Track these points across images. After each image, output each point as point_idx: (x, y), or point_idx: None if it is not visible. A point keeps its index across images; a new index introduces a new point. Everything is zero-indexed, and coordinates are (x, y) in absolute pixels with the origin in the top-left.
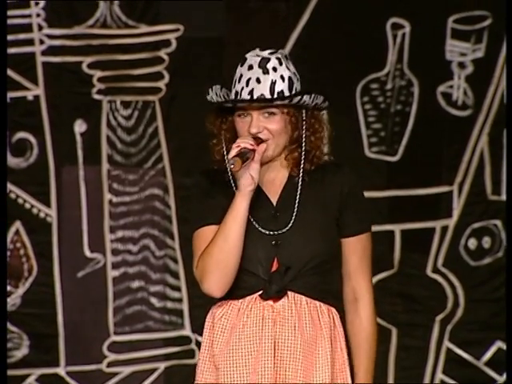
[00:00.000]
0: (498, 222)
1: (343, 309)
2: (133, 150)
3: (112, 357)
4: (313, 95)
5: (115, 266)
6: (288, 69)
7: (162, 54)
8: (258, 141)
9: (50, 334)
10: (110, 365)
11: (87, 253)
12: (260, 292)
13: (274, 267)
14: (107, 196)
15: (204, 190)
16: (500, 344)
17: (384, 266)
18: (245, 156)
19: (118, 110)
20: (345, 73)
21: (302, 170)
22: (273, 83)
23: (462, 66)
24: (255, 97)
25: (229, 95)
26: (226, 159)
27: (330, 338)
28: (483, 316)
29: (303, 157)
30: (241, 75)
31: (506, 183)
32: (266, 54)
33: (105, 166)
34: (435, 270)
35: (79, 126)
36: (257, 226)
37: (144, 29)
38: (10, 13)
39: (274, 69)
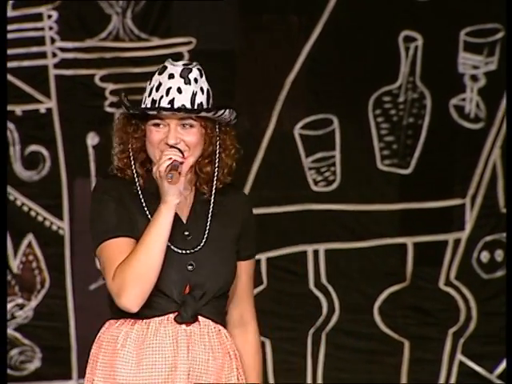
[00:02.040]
0: None
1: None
2: None
3: None
4: (232, 110)
5: None
6: (207, 81)
7: None
8: (181, 153)
9: (63, 346)
10: None
11: (99, 265)
12: (172, 315)
13: (187, 290)
14: None
15: (108, 198)
16: None
17: (396, 279)
18: (177, 169)
19: None
20: (357, 86)
21: (214, 188)
22: (194, 94)
23: (474, 78)
24: (176, 107)
25: (140, 103)
26: (156, 173)
27: (236, 360)
28: (496, 329)
29: (216, 173)
30: (159, 83)
31: (506, 197)
32: (186, 63)
33: None
34: (448, 283)
35: (92, 139)
36: (169, 244)
37: (156, 42)
38: (22, 26)
39: (196, 80)
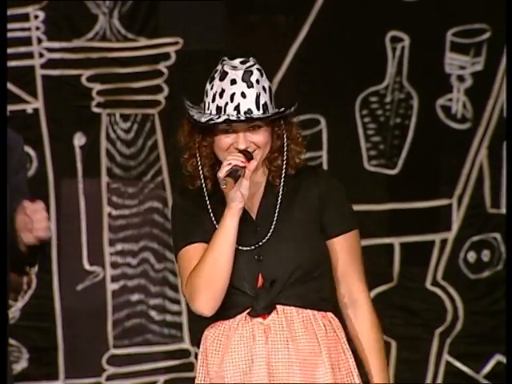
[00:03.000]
0: (498, 235)
1: (340, 313)
2: (132, 163)
3: (111, 370)
4: (295, 105)
5: (114, 279)
6: (267, 79)
7: (162, 67)
8: (248, 156)
9: (50, 347)
10: (109, 378)
11: (86, 266)
12: (248, 310)
13: (260, 282)
14: (106, 209)
15: (182, 208)
16: (499, 357)
17: (383, 279)
18: (236, 174)
19: (117, 123)
20: (344, 86)
21: (283, 180)
22: (257, 96)
23: (461, 79)
24: (242, 111)
25: (205, 109)
26: (218, 178)
27: (329, 344)
28: (482, 329)
29: (284, 166)
30: (222, 90)
31: (505, 196)
32: (245, 66)
33: (104, 179)
34: (434, 283)
35: (78, 139)
36: (237, 245)
37: (143, 42)
38: (9, 26)
39: (257, 81)
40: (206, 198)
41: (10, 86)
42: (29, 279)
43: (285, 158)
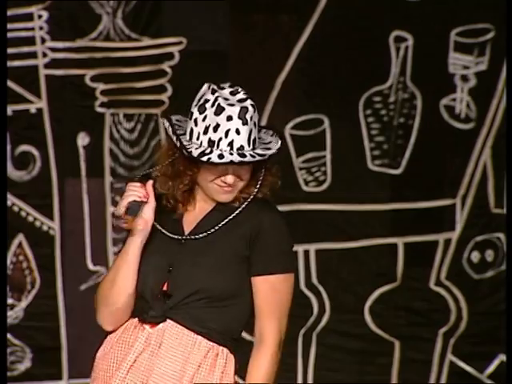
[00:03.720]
0: (501, 235)
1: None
2: (136, 163)
3: None
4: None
5: None
6: (258, 113)
7: (165, 66)
8: (144, 180)
9: (53, 347)
10: None
11: (90, 266)
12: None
13: (161, 292)
14: (110, 209)
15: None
16: (503, 357)
17: (387, 280)
18: (135, 210)
19: (120, 123)
20: (347, 86)
21: (244, 205)
22: (250, 132)
23: (464, 78)
24: (235, 148)
25: (193, 137)
26: (115, 217)
27: (199, 375)
28: (486, 329)
29: (254, 194)
30: (217, 124)
31: (506, 196)
32: (237, 98)
33: (108, 178)
34: (438, 283)
35: (82, 139)
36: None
37: (147, 42)
38: (12, 26)
39: (251, 118)
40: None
41: (13, 85)
42: (32, 279)
43: (257, 189)
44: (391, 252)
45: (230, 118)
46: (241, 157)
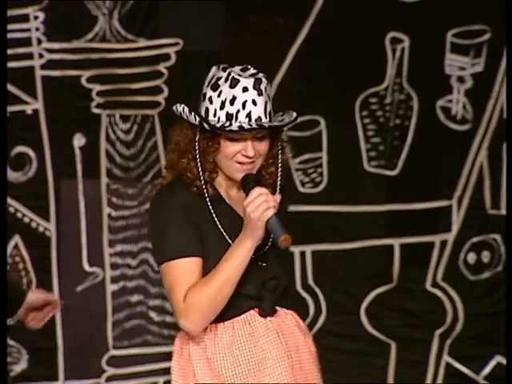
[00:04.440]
0: (498, 236)
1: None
2: (132, 164)
3: (111, 371)
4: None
5: (114, 280)
6: (271, 87)
7: (161, 68)
8: (259, 182)
9: (49, 348)
10: (108, 379)
11: (86, 267)
12: (253, 311)
13: (264, 285)
14: (106, 210)
15: (178, 210)
16: (499, 358)
17: (383, 281)
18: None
19: (117, 124)
20: (344, 87)
21: (279, 187)
22: (265, 104)
23: (461, 80)
24: (253, 119)
25: (210, 115)
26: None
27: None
28: (482, 330)
29: (280, 173)
30: (234, 97)
31: (505, 197)
32: (250, 72)
33: (104, 179)
34: (434, 285)
35: (78, 140)
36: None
37: (143, 43)
38: (9, 27)
39: (265, 89)
40: (210, 207)
41: (9, 86)
42: (28, 280)
43: (279, 166)
44: (387, 253)
45: (245, 89)
46: (260, 126)
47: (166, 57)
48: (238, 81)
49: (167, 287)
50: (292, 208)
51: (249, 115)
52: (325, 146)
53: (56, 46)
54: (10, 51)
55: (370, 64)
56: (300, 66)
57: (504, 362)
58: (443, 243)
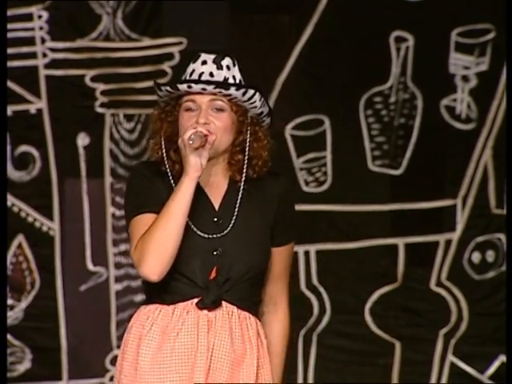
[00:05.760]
0: (502, 236)
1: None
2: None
3: (114, 371)
4: (262, 99)
5: (118, 279)
6: (240, 72)
7: (165, 67)
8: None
9: (53, 347)
10: (112, 378)
11: (90, 266)
12: (195, 300)
13: (212, 276)
14: (110, 209)
15: (141, 178)
16: (504, 358)
17: (387, 280)
18: (200, 139)
19: (121, 124)
20: (348, 86)
21: (244, 175)
22: (226, 79)
23: (465, 79)
24: (208, 89)
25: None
26: (182, 141)
27: (258, 349)
28: (487, 330)
29: (246, 161)
30: (193, 70)
31: (506, 197)
32: (224, 55)
33: (108, 179)
34: (439, 284)
35: (82, 140)
36: (195, 229)
37: (147, 42)
38: (12, 26)
39: (228, 67)
40: (168, 172)
41: (13, 86)
42: (32, 279)
43: (246, 154)
44: (392, 253)
45: (204, 62)
46: (204, 82)
47: (170, 56)
48: (199, 56)
49: (129, 245)
50: (296, 207)
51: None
52: (329, 145)
53: (60, 45)
54: (13, 50)
55: (375, 63)
56: (304, 64)
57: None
58: (448, 243)
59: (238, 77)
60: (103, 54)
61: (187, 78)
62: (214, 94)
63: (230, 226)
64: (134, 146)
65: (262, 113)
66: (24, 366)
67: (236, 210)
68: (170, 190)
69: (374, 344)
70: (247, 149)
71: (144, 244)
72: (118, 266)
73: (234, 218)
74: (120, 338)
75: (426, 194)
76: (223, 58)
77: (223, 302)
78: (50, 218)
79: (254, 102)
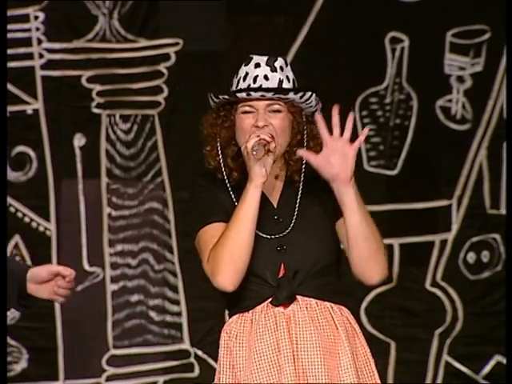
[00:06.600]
0: (497, 236)
1: (354, 307)
2: (132, 164)
3: (111, 371)
4: (317, 99)
5: (114, 279)
6: (292, 71)
7: (162, 67)
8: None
9: (49, 347)
10: (108, 379)
11: (86, 266)
12: (269, 299)
13: (281, 273)
14: (106, 210)
15: (207, 189)
16: (499, 358)
17: (383, 280)
18: (263, 148)
19: (117, 124)
20: (344, 87)
21: (303, 176)
22: (280, 81)
23: (460, 80)
24: (267, 96)
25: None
26: (246, 149)
27: (348, 336)
28: (482, 330)
29: (304, 161)
30: (246, 73)
31: (505, 197)
32: (275, 56)
33: (104, 179)
34: (434, 284)
35: (78, 140)
36: (257, 230)
37: (143, 43)
38: (9, 27)
39: (281, 68)
40: (226, 180)
41: (9, 86)
42: None
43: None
44: (387, 253)
45: (257, 65)
46: (264, 90)
47: (166, 57)
48: (252, 58)
49: (201, 258)
50: None
51: (259, 86)
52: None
53: (56, 45)
54: (10, 51)
55: (370, 64)
56: (300, 65)
57: (504, 361)
58: (443, 243)
59: (291, 77)
60: (99, 54)
61: (241, 81)
62: (272, 99)
63: (292, 224)
64: (130, 147)
65: (316, 111)
66: (21, 366)
67: (296, 207)
68: (230, 197)
69: (369, 344)
70: (305, 147)
71: (217, 255)
72: (114, 266)
73: (295, 216)
74: (116, 337)
75: (421, 194)
76: (276, 60)
77: (298, 297)
78: (47, 218)
79: (310, 102)
